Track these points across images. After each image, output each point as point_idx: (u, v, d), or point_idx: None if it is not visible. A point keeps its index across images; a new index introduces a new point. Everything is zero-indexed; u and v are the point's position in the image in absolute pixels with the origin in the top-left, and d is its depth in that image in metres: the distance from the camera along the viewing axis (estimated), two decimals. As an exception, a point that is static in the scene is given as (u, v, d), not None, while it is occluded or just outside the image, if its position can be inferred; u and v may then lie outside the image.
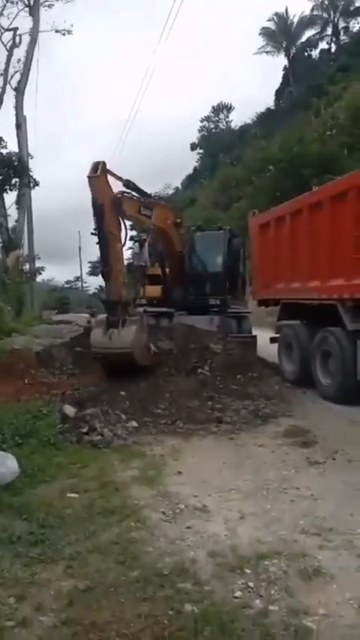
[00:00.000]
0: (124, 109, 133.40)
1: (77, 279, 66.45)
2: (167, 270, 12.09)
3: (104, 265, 8.44)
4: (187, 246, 11.98)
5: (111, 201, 8.09)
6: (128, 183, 8.97)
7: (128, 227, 8.91)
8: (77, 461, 5.36)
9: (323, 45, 52.02)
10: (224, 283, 12.01)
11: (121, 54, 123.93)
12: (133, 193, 9.11)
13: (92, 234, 8.32)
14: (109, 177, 8.31)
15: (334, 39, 51.20)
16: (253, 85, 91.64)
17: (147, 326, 8.83)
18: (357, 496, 4.41)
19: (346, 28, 50.07)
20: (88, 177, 7.95)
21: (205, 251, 12.33)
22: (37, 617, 2.85)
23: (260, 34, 52.90)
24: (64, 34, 26.64)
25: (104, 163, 8.01)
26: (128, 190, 8.96)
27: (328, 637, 2.65)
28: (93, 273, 73.13)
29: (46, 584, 3.19)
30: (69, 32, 26.61)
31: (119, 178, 8.68)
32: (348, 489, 4.57)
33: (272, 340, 10.44)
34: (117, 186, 8.55)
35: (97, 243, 8.20)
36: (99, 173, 7.92)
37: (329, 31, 51.14)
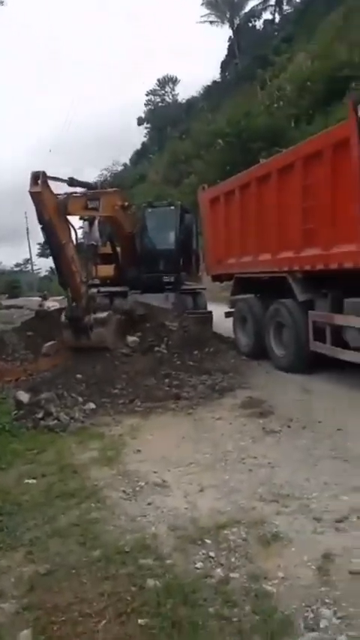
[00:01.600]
0: (69, 84, 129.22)
1: (27, 261, 64.85)
2: (118, 249, 11.93)
3: (61, 275, 8.34)
4: (138, 224, 11.82)
5: (57, 211, 7.87)
6: (72, 182, 8.74)
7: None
8: (34, 446, 5.28)
9: (267, 15, 51.80)
10: (177, 260, 11.96)
11: (63, 27, 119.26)
12: (78, 190, 8.87)
13: (43, 245, 8.23)
14: (51, 183, 8.02)
15: (277, 9, 50.98)
16: (198, 58, 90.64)
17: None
18: (312, 461, 4.55)
19: (289, -2, 49.88)
20: (31, 192, 7.57)
21: (156, 228, 12.21)
22: (-3, 605, 2.81)
23: (203, 3, 52.11)
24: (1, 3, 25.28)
25: (44, 173, 7.62)
26: (73, 189, 8.73)
27: (287, 599, 2.72)
28: (43, 254, 71.54)
29: (6, 571, 3.17)
30: (1, 3, 25.29)
31: (61, 180, 8.44)
32: (303, 455, 4.70)
33: (227, 315, 10.53)
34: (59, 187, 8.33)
35: (45, 255, 8.11)
36: (40, 188, 7.53)
37: (272, 1, 50.86)
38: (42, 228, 7.90)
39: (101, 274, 12.52)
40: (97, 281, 12.46)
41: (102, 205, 9.14)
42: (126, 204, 10.61)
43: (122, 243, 11.62)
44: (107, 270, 12.38)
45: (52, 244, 7.96)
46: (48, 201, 7.71)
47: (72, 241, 8.27)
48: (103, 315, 8.44)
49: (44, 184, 7.62)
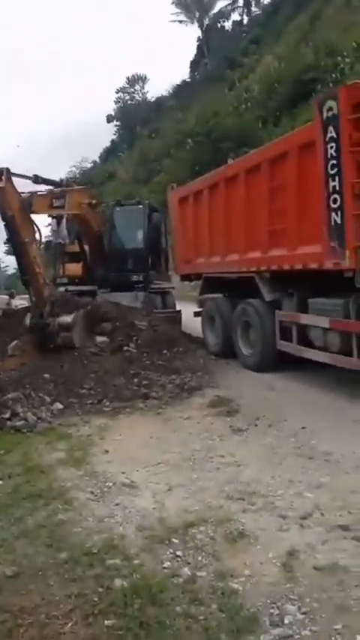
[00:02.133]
0: (37, 80, 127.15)
1: (-6, 259, 63.44)
2: (86, 247, 11.83)
3: (24, 274, 8.23)
4: (106, 223, 11.75)
5: (21, 208, 7.76)
6: (37, 179, 8.62)
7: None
8: (0, 447, 5.20)
9: (236, 16, 52.20)
10: (146, 259, 11.94)
11: (29, 19, 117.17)
12: (43, 188, 8.77)
13: (5, 243, 8.04)
14: (15, 180, 7.88)
15: (245, 10, 51.43)
16: (168, 57, 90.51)
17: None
18: (277, 459, 4.63)
19: (257, 0, 50.40)
20: None
21: (125, 226, 12.15)
22: None
23: (173, 2, 52.15)
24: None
25: (7, 170, 7.52)
26: (38, 188, 8.62)
27: (252, 596, 2.77)
28: (10, 252, 70.28)
29: (-29, 574, 3.12)
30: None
31: (25, 177, 8.31)
32: (269, 453, 4.79)
33: (196, 314, 10.59)
34: (23, 185, 8.19)
35: (13, 253, 7.93)
36: (4, 183, 7.44)
37: (241, 2, 51.29)
38: (5, 226, 7.77)
39: (69, 273, 12.40)
40: (65, 280, 12.34)
41: (68, 203, 9.04)
42: (93, 202, 10.54)
43: (90, 242, 11.53)
44: (75, 268, 12.27)
45: (15, 242, 7.87)
46: (11, 198, 7.60)
47: (36, 241, 8.18)
48: (68, 319, 8.31)
49: (8, 181, 7.52)
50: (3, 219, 7.67)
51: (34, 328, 8.28)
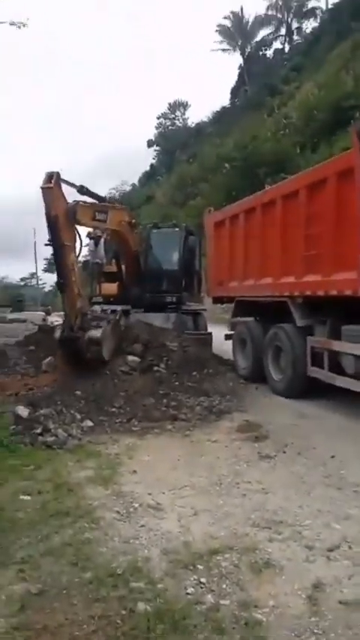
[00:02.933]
0: (81, 105, 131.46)
1: (32, 275, 65.22)
2: (123, 267, 12.05)
3: (60, 277, 8.37)
4: (143, 244, 11.97)
5: (65, 212, 8.00)
6: (82, 189, 8.88)
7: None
8: (30, 462, 5.28)
9: (277, 45, 52.95)
10: (180, 281, 12.08)
11: (76, 47, 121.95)
12: (88, 199, 9.03)
13: (46, 244, 8.24)
14: (63, 185, 8.18)
15: (287, 39, 52.12)
16: (209, 84, 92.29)
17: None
18: (305, 488, 4.56)
19: (299, 29, 51.12)
20: (42, 188, 7.82)
21: (161, 248, 12.36)
22: (-13, 624, 2.82)
23: (217, 31, 53.37)
24: (19, 27, 25.78)
25: (58, 174, 7.90)
26: (82, 198, 8.87)
27: (276, 628, 2.73)
28: (48, 269, 71.86)
29: (-3, 589, 3.16)
30: (24, 25, 25.78)
31: (73, 185, 8.59)
32: (297, 481, 4.72)
33: (227, 337, 10.58)
34: (71, 193, 8.48)
35: (51, 254, 8.12)
36: (52, 184, 7.79)
37: (283, 31, 52.06)
38: (48, 226, 7.95)
39: (105, 292, 12.64)
40: (100, 299, 12.58)
41: (110, 218, 9.31)
42: (133, 221, 10.79)
43: (127, 261, 11.75)
44: (111, 288, 12.50)
45: (55, 244, 8.02)
46: (57, 200, 7.88)
47: (75, 250, 8.35)
48: (97, 334, 8.32)
49: (57, 183, 7.86)
50: (47, 220, 7.88)
51: (64, 341, 8.38)
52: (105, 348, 8.28)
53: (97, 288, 13.07)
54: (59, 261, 8.12)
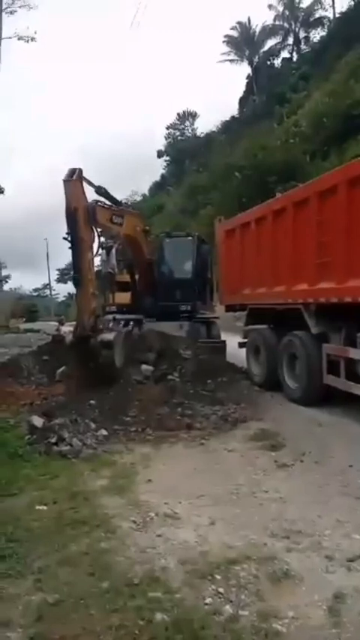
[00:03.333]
0: (91, 115, 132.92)
1: (45, 286, 65.77)
2: (136, 276, 12.10)
3: (76, 272, 8.30)
4: (156, 253, 12.02)
5: (85, 209, 8.06)
6: (100, 189, 8.93)
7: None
8: (46, 472, 5.28)
9: (285, 54, 53.10)
10: (194, 289, 12.13)
11: (85, 58, 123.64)
12: (105, 201, 9.10)
13: (64, 238, 8.20)
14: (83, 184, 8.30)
15: (295, 48, 52.28)
16: (217, 94, 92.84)
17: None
18: (324, 497, 4.50)
19: (307, 38, 51.15)
20: (64, 180, 7.94)
21: (174, 257, 12.42)
22: (4, 634, 2.80)
23: (224, 41, 53.72)
24: (27, 42, 26.19)
25: (80, 170, 8.05)
26: (100, 198, 8.94)
27: (297, 639, 2.69)
28: (61, 280, 72.50)
29: (14, 599, 3.15)
30: (33, 39, 26.20)
31: (92, 184, 8.68)
32: (315, 491, 4.66)
33: (241, 345, 10.54)
34: (89, 192, 8.56)
35: (69, 248, 8.13)
36: (75, 178, 7.95)
37: (290, 40, 52.22)
38: (67, 220, 7.97)
39: (118, 301, 12.71)
40: (114, 308, 12.64)
41: (125, 223, 9.38)
42: (146, 228, 10.87)
43: (141, 270, 11.79)
44: (124, 297, 12.58)
45: (74, 236, 8.02)
46: (78, 193, 8.00)
47: (92, 249, 8.38)
48: (110, 336, 8.20)
49: (79, 178, 8.00)
50: (67, 213, 7.92)
51: (76, 342, 8.26)
52: (117, 353, 8.14)
53: (111, 297, 13.15)
54: (76, 256, 8.09)
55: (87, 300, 8.22)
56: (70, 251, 8.10)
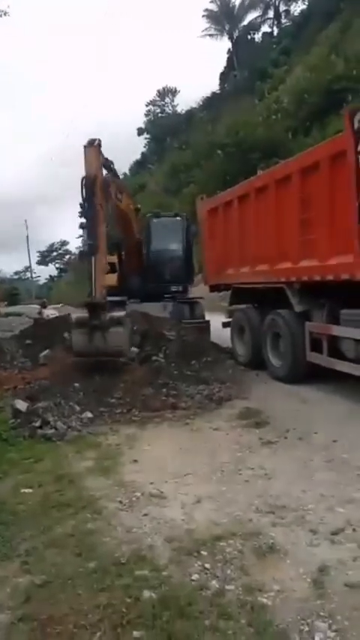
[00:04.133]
0: (67, 93, 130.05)
1: (26, 269, 64.94)
2: (123, 257, 12.00)
3: (93, 239, 8.03)
4: (143, 233, 11.93)
5: (102, 179, 8.12)
6: (107, 162, 8.86)
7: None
8: (31, 455, 5.27)
9: (265, 28, 52.31)
10: (185, 270, 12.12)
11: (61, 33, 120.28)
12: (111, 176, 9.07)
13: (81, 204, 8.16)
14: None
15: (275, 22, 51.52)
16: (198, 69, 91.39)
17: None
18: (308, 472, 4.56)
19: (287, 12, 50.40)
20: (85, 146, 8.03)
21: (163, 238, 12.33)
22: (-8, 617, 2.81)
23: (204, 16, 52.69)
24: (1, 16, 25.27)
25: (100, 140, 8.16)
26: (109, 172, 8.96)
27: (282, 612, 2.73)
28: (42, 262, 71.71)
29: (1, 581, 3.17)
30: (5, 14, 25.29)
31: (102, 155, 8.63)
32: (299, 466, 4.71)
33: (225, 325, 10.55)
34: None
35: (83, 216, 8.14)
36: (95, 145, 8.07)
37: (271, 14, 51.42)
38: (85, 186, 7.96)
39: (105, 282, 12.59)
40: None
41: (123, 200, 9.29)
42: (138, 206, 10.81)
43: (129, 251, 11.70)
44: (110, 278, 12.47)
45: (91, 202, 7.98)
46: (98, 161, 8.06)
47: (105, 221, 8.32)
48: (120, 313, 8.09)
49: (99, 147, 8.14)
50: (85, 179, 7.93)
51: (88, 307, 7.86)
52: (125, 331, 7.91)
53: None
54: (93, 223, 8.02)
55: (101, 270, 8.10)
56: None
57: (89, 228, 8.12)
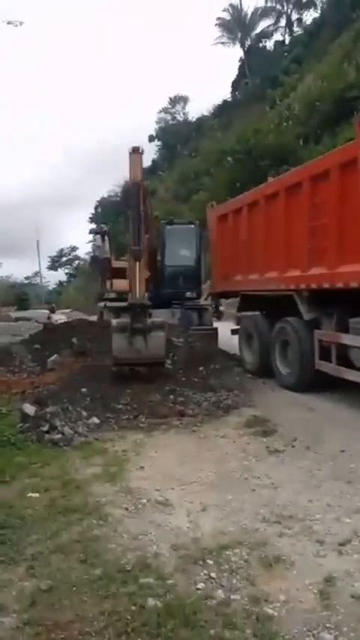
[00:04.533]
0: (79, 100, 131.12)
1: (36, 274, 65.22)
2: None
3: (138, 244, 8.11)
4: (157, 240, 12.02)
5: (145, 185, 8.46)
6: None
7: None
8: (38, 460, 5.28)
9: (277, 36, 52.45)
10: (198, 276, 12.17)
11: (75, 42, 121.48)
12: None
13: (126, 209, 8.38)
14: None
15: (287, 30, 51.67)
16: (210, 77, 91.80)
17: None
18: (315, 482, 4.53)
19: (299, 20, 50.55)
20: (130, 153, 8.25)
21: (177, 245, 12.41)
22: (-2, 620, 2.81)
23: (216, 24, 52.99)
24: (16, 26, 25.78)
25: (142, 149, 8.43)
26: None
27: (288, 622, 2.71)
28: (52, 267, 72.03)
29: (7, 585, 3.16)
30: (21, 23, 25.74)
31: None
32: (306, 476, 4.69)
33: (233, 332, 10.55)
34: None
35: (128, 220, 8.26)
36: (139, 152, 8.31)
37: (283, 22, 51.60)
38: (130, 192, 8.28)
39: (117, 288, 12.66)
40: (113, 295, 12.61)
41: (150, 207, 9.43)
42: (156, 214, 10.96)
43: (146, 258, 11.82)
44: (123, 284, 12.54)
45: (136, 208, 8.16)
46: (141, 169, 8.32)
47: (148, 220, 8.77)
48: (159, 319, 8.15)
49: (142, 154, 8.41)
50: (130, 185, 8.28)
51: (132, 308, 7.91)
52: (164, 336, 7.88)
53: (109, 284, 13.11)
54: (138, 228, 8.11)
55: (143, 275, 8.25)
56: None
57: (135, 233, 8.15)
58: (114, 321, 8.24)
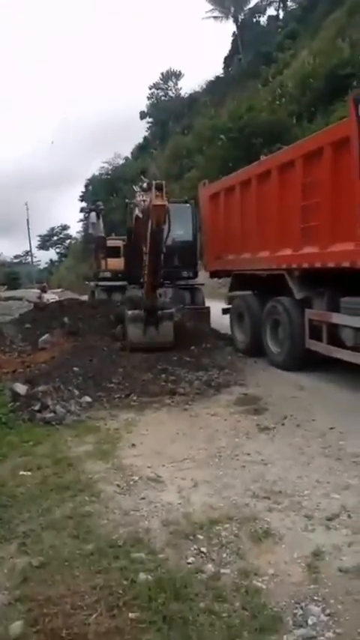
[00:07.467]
0: (70, 76, 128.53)
1: (27, 253, 64.68)
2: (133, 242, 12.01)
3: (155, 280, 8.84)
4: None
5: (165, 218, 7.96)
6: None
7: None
8: (30, 439, 5.29)
9: (271, 11, 51.37)
10: (195, 255, 12.10)
11: (66, 17, 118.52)
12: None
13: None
14: None
15: (281, 5, 50.59)
16: (202, 52, 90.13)
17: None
18: (304, 459, 4.59)
19: (294, -6, 49.52)
20: (154, 205, 7.74)
21: (173, 224, 12.30)
22: (-10, 596, 2.84)
23: (208, -1, 51.70)
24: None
25: (165, 184, 7.88)
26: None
27: (276, 595, 2.76)
28: (43, 247, 71.42)
29: (-1, 562, 3.19)
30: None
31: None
32: (296, 453, 4.74)
33: (224, 311, 10.55)
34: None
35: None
36: (165, 200, 7.76)
37: (276, -4, 50.47)
38: (151, 235, 8.14)
39: (112, 267, 12.58)
40: (107, 274, 12.53)
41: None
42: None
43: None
44: (117, 263, 12.46)
45: (157, 251, 8.39)
46: (165, 215, 7.87)
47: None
48: (170, 310, 8.92)
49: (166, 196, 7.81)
50: (152, 229, 8.04)
51: (148, 312, 8.68)
52: (172, 324, 8.74)
53: (104, 263, 13.03)
54: (156, 264, 8.60)
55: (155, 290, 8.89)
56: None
57: (151, 267, 8.60)
58: (129, 312, 8.87)
